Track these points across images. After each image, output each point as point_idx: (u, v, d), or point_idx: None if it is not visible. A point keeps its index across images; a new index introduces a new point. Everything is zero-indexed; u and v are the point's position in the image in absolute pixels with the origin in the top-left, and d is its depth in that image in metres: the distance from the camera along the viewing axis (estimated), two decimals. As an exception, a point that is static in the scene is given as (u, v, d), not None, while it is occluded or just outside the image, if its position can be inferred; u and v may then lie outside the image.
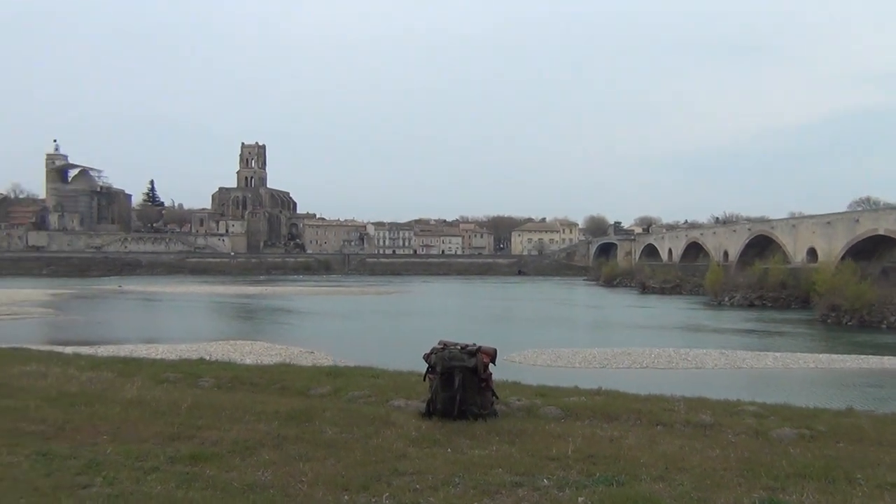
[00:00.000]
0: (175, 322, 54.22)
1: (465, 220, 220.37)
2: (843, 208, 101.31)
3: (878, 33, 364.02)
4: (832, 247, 70.22)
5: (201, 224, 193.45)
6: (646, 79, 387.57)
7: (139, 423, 8.07)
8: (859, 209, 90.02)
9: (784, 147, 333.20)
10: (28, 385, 10.79)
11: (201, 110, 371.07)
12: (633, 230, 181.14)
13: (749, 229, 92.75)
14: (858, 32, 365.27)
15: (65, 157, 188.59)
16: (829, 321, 54.27)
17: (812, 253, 74.17)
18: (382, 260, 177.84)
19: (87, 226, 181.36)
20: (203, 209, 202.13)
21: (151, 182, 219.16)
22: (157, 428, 7.77)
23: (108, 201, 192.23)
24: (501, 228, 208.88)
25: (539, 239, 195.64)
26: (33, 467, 6.18)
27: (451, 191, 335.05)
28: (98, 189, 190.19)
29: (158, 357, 21.67)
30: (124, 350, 28.49)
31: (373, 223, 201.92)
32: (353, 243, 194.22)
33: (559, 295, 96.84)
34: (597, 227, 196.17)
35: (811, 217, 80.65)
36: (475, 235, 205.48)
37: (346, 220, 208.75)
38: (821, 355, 36.36)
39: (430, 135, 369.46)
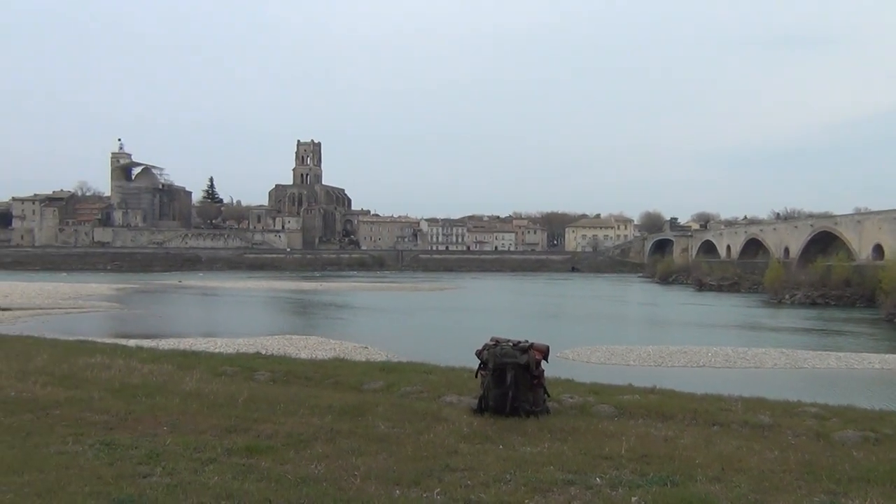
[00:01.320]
0: (233, 317, 55.39)
1: (519, 217, 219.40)
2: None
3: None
4: (900, 243, 67.83)
5: (258, 220, 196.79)
6: (707, 72, 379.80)
7: (197, 415, 8.28)
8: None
9: (849, 141, 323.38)
10: (93, 376, 11.16)
11: (259, 110, 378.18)
12: (689, 226, 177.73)
13: (811, 225, 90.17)
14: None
15: (129, 155, 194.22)
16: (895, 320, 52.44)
17: (878, 250, 71.68)
18: (436, 256, 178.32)
19: (149, 222, 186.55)
20: (260, 206, 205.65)
21: (211, 179, 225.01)
22: (215, 420, 7.96)
23: (169, 198, 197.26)
24: (555, 224, 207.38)
25: (593, 235, 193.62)
26: (97, 456, 6.41)
27: (505, 187, 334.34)
28: (160, 186, 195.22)
29: (216, 351, 22.21)
30: (184, 343, 29.16)
31: (426, 219, 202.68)
32: (406, 239, 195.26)
33: (613, 292, 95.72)
34: (652, 223, 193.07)
35: (877, 212, 77.94)
36: (528, 231, 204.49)
37: (399, 217, 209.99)
38: (887, 356, 35.08)
39: (483, 131, 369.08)
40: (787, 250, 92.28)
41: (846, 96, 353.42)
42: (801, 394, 15.10)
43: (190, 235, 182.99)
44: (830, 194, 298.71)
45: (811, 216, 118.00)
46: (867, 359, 33.74)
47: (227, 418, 8.06)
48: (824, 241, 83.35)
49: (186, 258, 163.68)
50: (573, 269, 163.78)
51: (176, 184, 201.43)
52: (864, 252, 74.25)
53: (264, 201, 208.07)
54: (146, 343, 23.25)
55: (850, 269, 70.42)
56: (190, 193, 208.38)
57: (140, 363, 12.89)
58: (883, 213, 75.66)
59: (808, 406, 10.49)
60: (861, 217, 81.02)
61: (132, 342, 21.80)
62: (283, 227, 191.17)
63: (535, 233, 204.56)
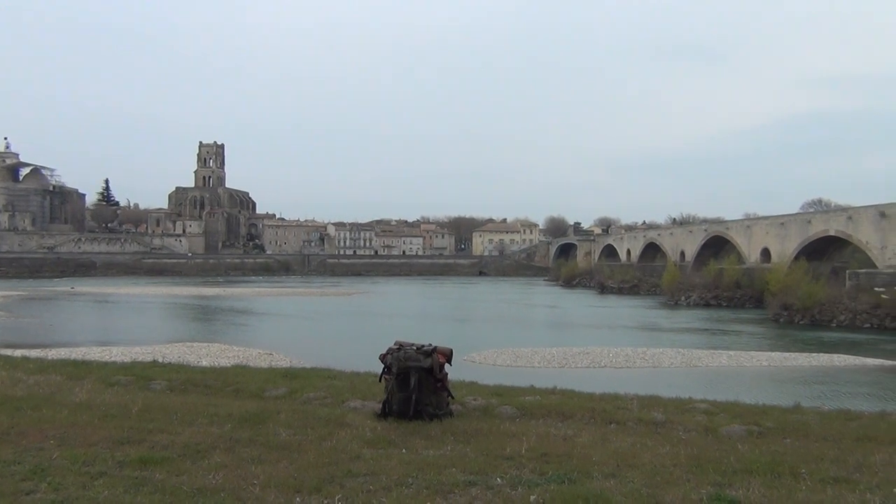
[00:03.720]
0: (130, 324, 53.21)
1: (427, 221, 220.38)
2: (795, 210, 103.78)
3: (831, 39, 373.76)
4: (785, 247, 71.80)
5: (157, 224, 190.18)
6: (604, 82, 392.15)
7: (87, 426, 7.93)
8: (811, 211, 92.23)
9: (739, 149, 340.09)
10: (-28, 389, 10.50)
11: (158, 108, 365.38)
12: (592, 231, 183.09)
13: (705, 230, 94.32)
14: (811, 38, 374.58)
15: (16, 155, 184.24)
16: (781, 320, 55.41)
17: (766, 253, 75.73)
18: (343, 261, 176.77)
19: (39, 226, 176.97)
20: (159, 209, 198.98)
21: (106, 181, 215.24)
22: (106, 432, 7.64)
23: (60, 201, 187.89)
24: (463, 229, 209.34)
25: (500, 239, 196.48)
26: (-25, 474, 6.02)
27: (413, 191, 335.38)
28: (51, 188, 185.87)
29: (110, 360, 21.30)
30: (76, 353, 27.83)
31: (333, 223, 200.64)
32: (313, 244, 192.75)
33: (519, 295, 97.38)
34: (557, 227, 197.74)
35: (765, 218, 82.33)
36: (436, 236, 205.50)
37: (306, 221, 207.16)
38: (773, 353, 37.14)
39: (391, 135, 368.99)
40: (682, 254, 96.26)
41: (736, 108, 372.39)
42: (694, 391, 15.81)
43: (83, 240, 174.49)
44: (722, 200, 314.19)
45: (705, 221, 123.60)
46: (755, 357, 35.63)
47: (119, 429, 7.75)
48: (717, 246, 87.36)
49: (80, 263, 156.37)
50: (480, 273, 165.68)
51: (68, 185, 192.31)
52: (752, 256, 78.28)
53: (164, 204, 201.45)
54: (33, 353, 22.09)
55: (740, 272, 74.09)
56: (83, 196, 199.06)
57: (26, 374, 12.25)
58: (770, 218, 79.98)
59: (698, 403, 11.00)
60: (750, 222, 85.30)
61: (18, 352, 20.67)
62: (184, 231, 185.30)
63: (442, 237, 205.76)
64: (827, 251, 69.60)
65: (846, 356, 36.13)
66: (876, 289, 53.96)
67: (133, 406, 9.09)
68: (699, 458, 6.98)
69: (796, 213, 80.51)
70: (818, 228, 68.22)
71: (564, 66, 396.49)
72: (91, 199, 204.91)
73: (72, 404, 9.32)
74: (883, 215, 58.85)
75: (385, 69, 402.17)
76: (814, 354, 36.77)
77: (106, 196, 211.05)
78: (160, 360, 18.10)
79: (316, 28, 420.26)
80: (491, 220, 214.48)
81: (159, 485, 5.75)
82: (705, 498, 5.55)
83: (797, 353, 37.07)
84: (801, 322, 53.80)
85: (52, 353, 24.16)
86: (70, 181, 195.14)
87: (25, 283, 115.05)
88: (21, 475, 5.98)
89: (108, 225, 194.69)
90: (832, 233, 66.11)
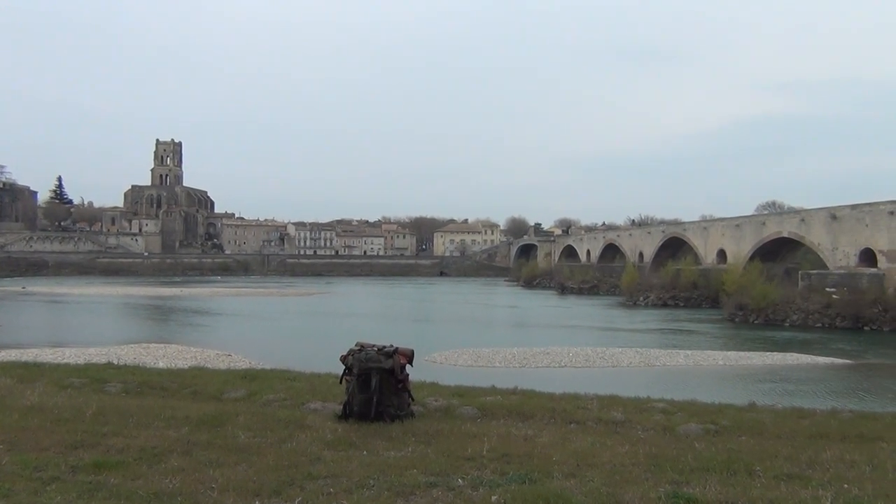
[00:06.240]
0: (84, 325, 52.08)
1: (388, 221, 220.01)
2: (750, 212, 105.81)
3: (785, 44, 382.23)
4: (740, 248, 73.22)
5: (113, 223, 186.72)
6: (565, 84, 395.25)
7: (39, 430, 7.73)
8: (766, 213, 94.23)
9: (697, 151, 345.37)
10: (-83, 393, 10.18)
11: (113, 104, 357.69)
12: (552, 231, 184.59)
13: (663, 231, 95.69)
14: (766, 44, 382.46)
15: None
16: (736, 320, 56.50)
17: (721, 254, 77.15)
18: (303, 261, 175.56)
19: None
20: (115, 207, 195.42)
21: (59, 179, 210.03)
22: (59, 436, 7.46)
23: (11, 198, 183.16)
24: (424, 229, 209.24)
25: (461, 240, 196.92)
26: (-80, 481, 5.82)
27: (374, 191, 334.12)
28: (1, 185, 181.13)
29: (63, 362, 20.84)
30: (27, 355, 27.11)
31: (293, 223, 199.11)
32: (272, 244, 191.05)
33: (480, 295, 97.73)
34: (518, 228, 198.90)
35: (721, 220, 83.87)
36: (397, 236, 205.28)
37: (265, 220, 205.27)
38: (729, 353, 37.84)
39: (351, 133, 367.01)
40: (641, 255, 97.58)
41: (693, 111, 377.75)
42: (652, 390, 16.01)
43: (35, 238, 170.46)
44: (680, 202, 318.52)
45: (663, 223, 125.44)
46: (712, 356, 36.29)
47: (72, 433, 7.57)
48: (674, 247, 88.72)
49: (31, 263, 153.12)
50: (442, 274, 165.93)
51: (19, 183, 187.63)
52: (709, 256, 79.69)
53: (119, 203, 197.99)
54: (-18, 355, 21.48)
55: (697, 273, 75.40)
56: (35, 193, 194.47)
57: (-26, 377, 11.89)
58: (725, 220, 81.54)
59: (656, 402, 11.17)
60: (707, 224, 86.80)
61: (-34, 354, 20.06)
62: (140, 230, 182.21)
63: (404, 237, 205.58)
64: (780, 252, 71.19)
65: (799, 355, 37.00)
66: (827, 289, 55.34)
67: (87, 409, 8.89)
68: (657, 457, 7.08)
69: (751, 215, 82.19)
70: (772, 230, 69.70)
71: (525, 68, 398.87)
72: (43, 196, 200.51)
73: (22, 407, 9.08)
74: (834, 217, 60.35)
75: (347, 68, 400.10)
76: (768, 353, 37.56)
77: (59, 194, 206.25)
78: (115, 361, 17.75)
79: (276, 24, 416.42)
80: (452, 221, 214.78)
81: (114, 490, 5.63)
82: (663, 496, 5.62)
83: (752, 353, 37.84)
84: (755, 322, 54.92)
85: (2, 355, 23.52)
86: (21, 178, 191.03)
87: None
88: (-31, 482, 5.81)
89: (62, 223, 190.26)
90: (785, 234, 67.58)
